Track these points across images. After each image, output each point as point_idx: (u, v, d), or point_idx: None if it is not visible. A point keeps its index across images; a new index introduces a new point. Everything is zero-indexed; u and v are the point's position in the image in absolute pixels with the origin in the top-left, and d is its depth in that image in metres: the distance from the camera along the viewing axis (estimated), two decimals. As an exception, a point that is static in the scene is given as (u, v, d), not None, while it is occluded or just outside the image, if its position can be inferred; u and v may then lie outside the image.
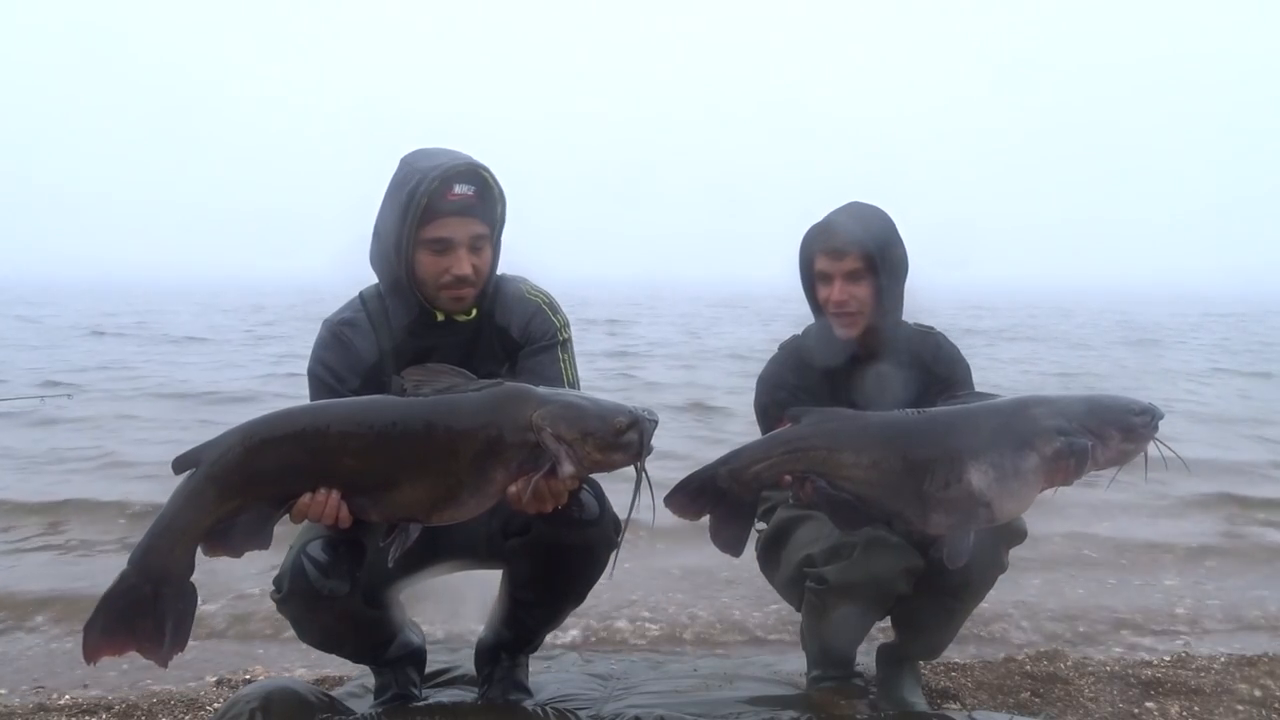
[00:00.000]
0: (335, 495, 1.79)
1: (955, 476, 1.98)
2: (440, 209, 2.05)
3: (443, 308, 2.18)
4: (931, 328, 2.58)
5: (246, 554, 1.81)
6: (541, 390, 1.87)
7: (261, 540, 1.80)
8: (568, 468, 1.79)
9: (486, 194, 2.11)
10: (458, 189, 2.05)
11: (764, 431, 2.40)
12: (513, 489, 1.81)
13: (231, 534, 1.78)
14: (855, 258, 2.33)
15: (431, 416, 1.82)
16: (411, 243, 2.07)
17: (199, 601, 1.83)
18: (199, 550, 1.79)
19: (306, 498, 1.79)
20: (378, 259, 2.18)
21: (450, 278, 2.11)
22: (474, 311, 2.23)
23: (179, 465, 1.79)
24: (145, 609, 1.77)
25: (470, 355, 2.21)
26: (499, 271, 2.29)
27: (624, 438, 1.79)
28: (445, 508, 1.83)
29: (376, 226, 2.17)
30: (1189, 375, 14.17)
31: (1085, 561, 4.71)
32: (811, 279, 2.43)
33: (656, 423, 1.85)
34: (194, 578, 1.82)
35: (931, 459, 2.00)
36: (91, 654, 1.77)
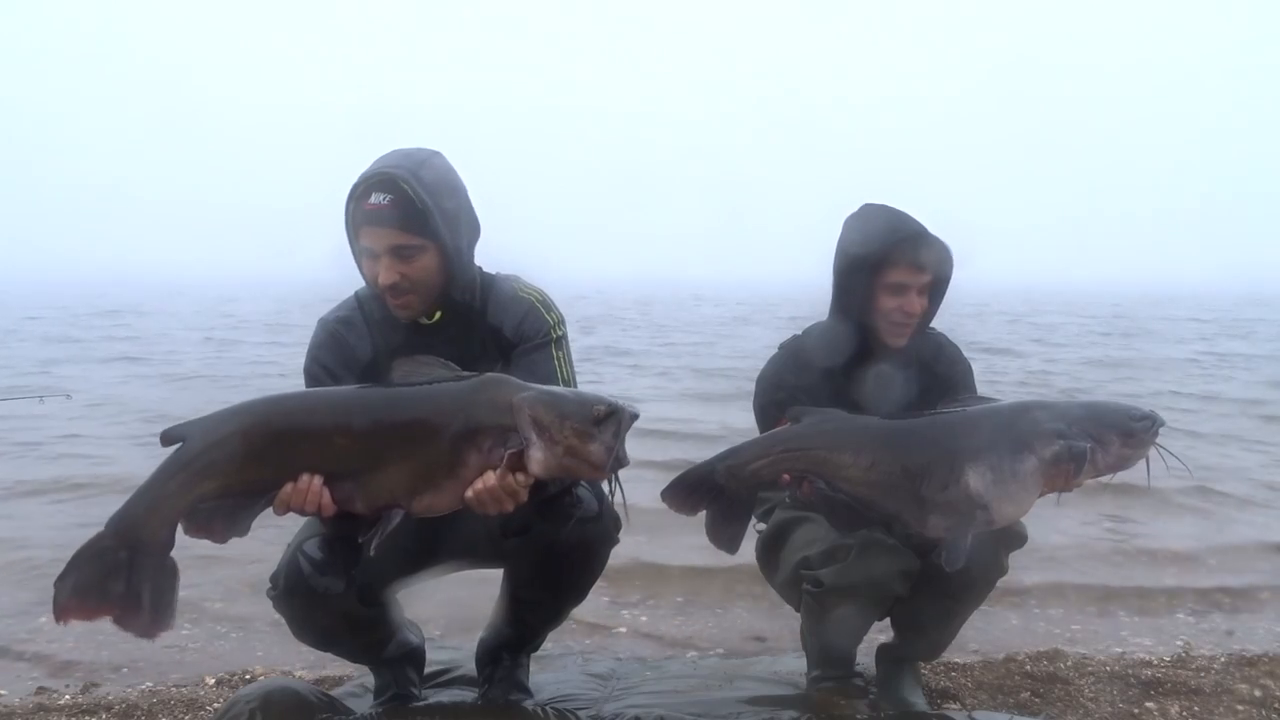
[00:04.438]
0: (318, 481, 1.78)
1: (953, 479, 1.98)
2: (361, 218, 2.06)
3: (394, 313, 2.17)
4: (932, 328, 2.59)
5: (239, 554, 1.81)
6: (522, 381, 1.88)
7: (240, 528, 1.79)
8: (536, 454, 1.78)
9: (403, 203, 2.02)
10: (373, 199, 2.03)
11: (763, 432, 2.40)
12: (469, 493, 1.80)
13: (212, 516, 1.77)
14: (932, 272, 2.35)
15: (412, 401, 1.84)
16: (355, 249, 2.12)
17: (180, 579, 1.81)
18: (181, 531, 1.78)
19: (288, 487, 1.78)
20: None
21: (379, 285, 2.10)
22: (437, 315, 2.19)
23: (166, 438, 1.79)
24: (118, 573, 1.75)
25: (463, 355, 2.21)
26: (493, 272, 2.30)
27: (600, 427, 1.79)
28: (425, 493, 1.83)
29: None
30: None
31: (1086, 561, 4.71)
32: (868, 280, 2.35)
33: (637, 416, 1.85)
34: (188, 576, 1.81)
35: (929, 461, 2.00)
36: (62, 612, 1.75)
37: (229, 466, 1.78)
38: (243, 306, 33.20)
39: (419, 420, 1.83)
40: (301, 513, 1.83)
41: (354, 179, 2.10)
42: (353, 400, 1.89)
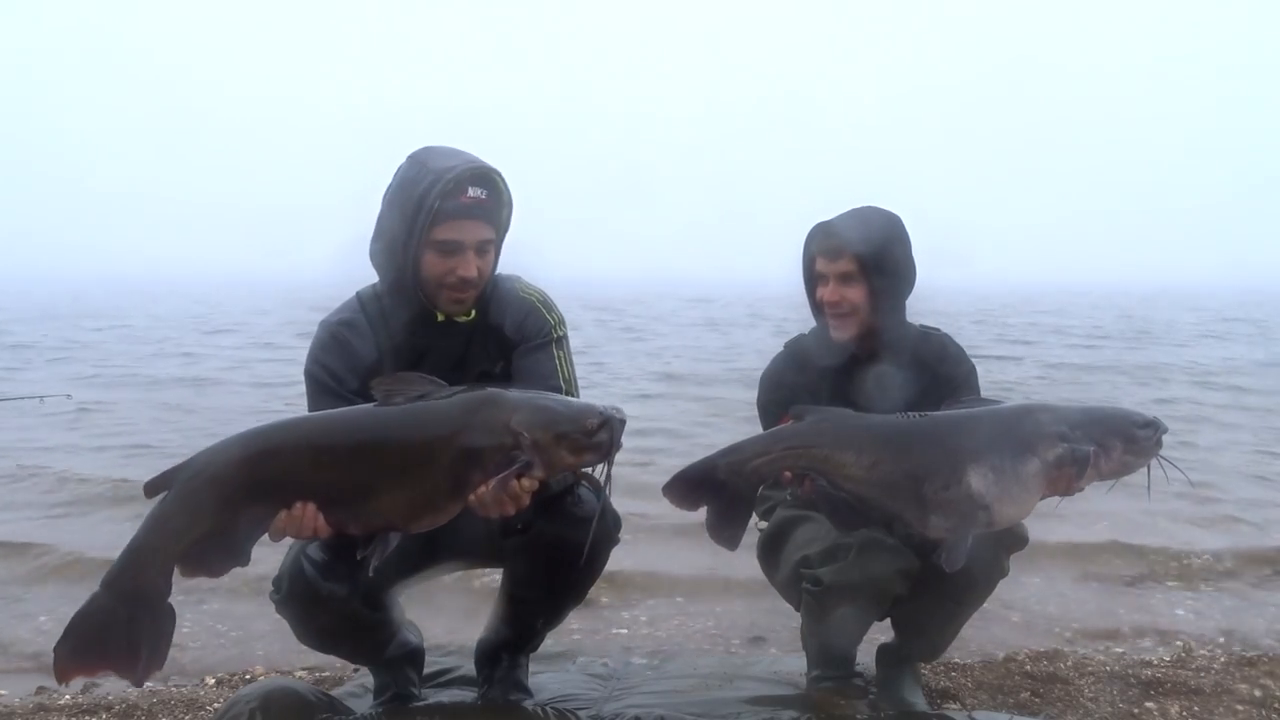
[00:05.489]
0: (312, 507, 1.77)
1: (955, 479, 1.97)
2: (452, 211, 2.05)
3: (442, 309, 2.19)
4: (936, 328, 2.58)
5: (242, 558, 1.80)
6: (513, 394, 1.87)
7: (239, 559, 1.78)
8: (539, 472, 1.80)
9: (496, 199, 2.12)
10: (471, 192, 2.06)
11: (765, 430, 2.40)
12: (471, 496, 1.80)
13: (208, 555, 1.76)
14: (849, 259, 2.34)
15: (406, 424, 1.82)
16: (420, 242, 2.07)
17: (175, 623, 1.80)
18: (178, 572, 1.77)
19: (283, 515, 1.77)
20: (380, 256, 2.17)
21: (455, 279, 2.11)
22: (473, 313, 2.23)
23: (151, 489, 1.77)
24: (119, 630, 1.74)
25: (466, 355, 2.22)
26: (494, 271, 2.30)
27: (595, 438, 1.80)
28: (424, 515, 1.83)
29: (380, 223, 2.15)
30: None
31: (1086, 562, 4.71)
32: (812, 279, 2.44)
33: (624, 421, 1.86)
34: (184, 588, 1.80)
35: (931, 461, 2.00)
36: (62, 675, 1.75)
37: (222, 507, 1.76)
38: (213, 308, 32.71)
39: (414, 447, 1.81)
40: (298, 538, 1.83)
41: (385, 176, 2.12)
42: (343, 428, 1.87)
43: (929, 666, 2.93)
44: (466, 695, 2.55)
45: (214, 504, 1.76)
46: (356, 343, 2.20)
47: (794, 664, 2.88)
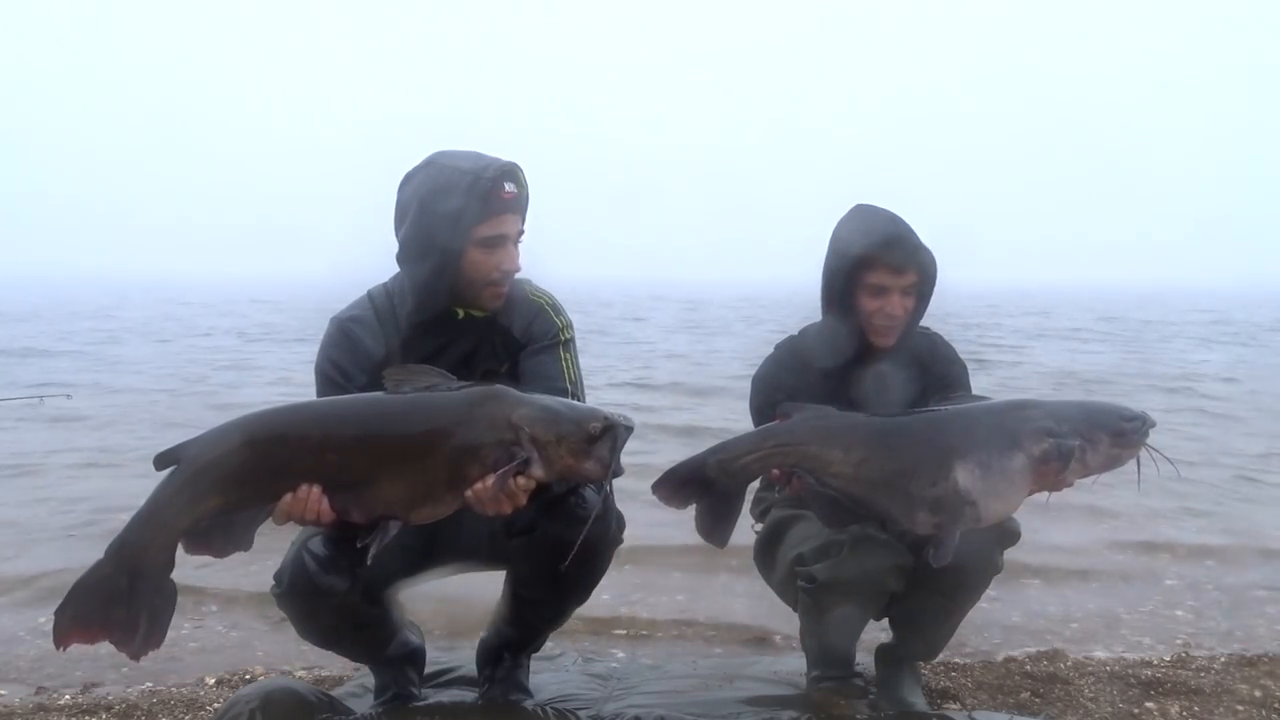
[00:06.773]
0: (317, 491, 1.79)
1: (942, 475, 1.98)
2: (496, 207, 2.11)
3: (484, 305, 2.22)
4: (927, 328, 2.59)
5: (238, 556, 1.81)
6: (519, 392, 1.89)
7: (243, 542, 1.80)
8: (538, 471, 1.81)
9: (526, 191, 2.20)
10: (508, 187, 2.12)
11: (757, 431, 2.40)
12: (469, 492, 1.81)
13: (212, 534, 1.78)
14: (914, 273, 2.36)
15: (411, 413, 1.84)
16: (466, 241, 2.11)
17: (177, 600, 1.82)
18: (181, 549, 1.79)
19: (288, 497, 1.79)
20: (416, 260, 2.17)
21: (499, 274, 2.16)
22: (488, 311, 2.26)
23: (160, 462, 1.79)
24: (119, 600, 1.76)
25: (474, 354, 2.24)
26: None
27: (596, 444, 1.81)
28: (423, 505, 1.84)
29: (413, 227, 2.15)
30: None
31: (1085, 561, 4.71)
32: (847, 283, 2.39)
33: (631, 429, 1.86)
34: (187, 575, 1.81)
35: (919, 458, 2.01)
36: (61, 640, 1.77)
37: (228, 485, 1.78)
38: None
39: (416, 436, 1.83)
40: (301, 522, 1.84)
41: (416, 177, 2.16)
42: (347, 413, 1.89)
43: (929, 666, 2.93)
44: (467, 695, 2.56)
45: (219, 483, 1.77)
46: (366, 339, 2.22)
47: (794, 664, 2.88)
